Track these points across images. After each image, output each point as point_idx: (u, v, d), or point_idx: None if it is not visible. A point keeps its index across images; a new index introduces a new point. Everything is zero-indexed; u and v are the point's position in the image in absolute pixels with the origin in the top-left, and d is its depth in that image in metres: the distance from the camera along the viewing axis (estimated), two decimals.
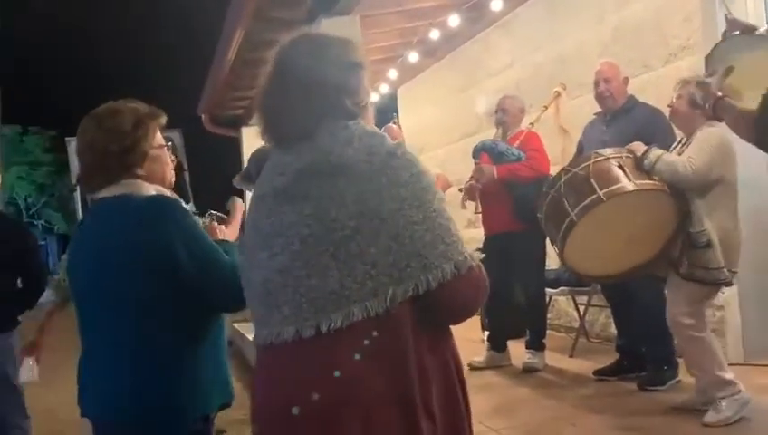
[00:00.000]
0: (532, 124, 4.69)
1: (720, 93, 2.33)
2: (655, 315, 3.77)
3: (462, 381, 1.37)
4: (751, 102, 2.22)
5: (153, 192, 1.79)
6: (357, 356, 1.23)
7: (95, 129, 1.81)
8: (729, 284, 3.18)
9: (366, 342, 1.23)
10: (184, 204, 1.86)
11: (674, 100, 3.29)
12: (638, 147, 3.27)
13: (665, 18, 4.64)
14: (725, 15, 2.70)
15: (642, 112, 3.86)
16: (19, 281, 3.28)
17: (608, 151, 3.33)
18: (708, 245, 3.08)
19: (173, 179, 1.97)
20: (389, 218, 1.23)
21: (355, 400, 1.23)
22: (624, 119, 3.85)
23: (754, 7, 4.27)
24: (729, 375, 3.17)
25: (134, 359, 1.71)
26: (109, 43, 30.94)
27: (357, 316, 1.22)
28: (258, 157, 1.47)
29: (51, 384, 5.29)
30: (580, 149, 4.14)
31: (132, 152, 1.81)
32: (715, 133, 3.16)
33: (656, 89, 4.58)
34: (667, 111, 3.50)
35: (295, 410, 1.24)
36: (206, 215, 2.57)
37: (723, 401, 3.13)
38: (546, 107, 4.86)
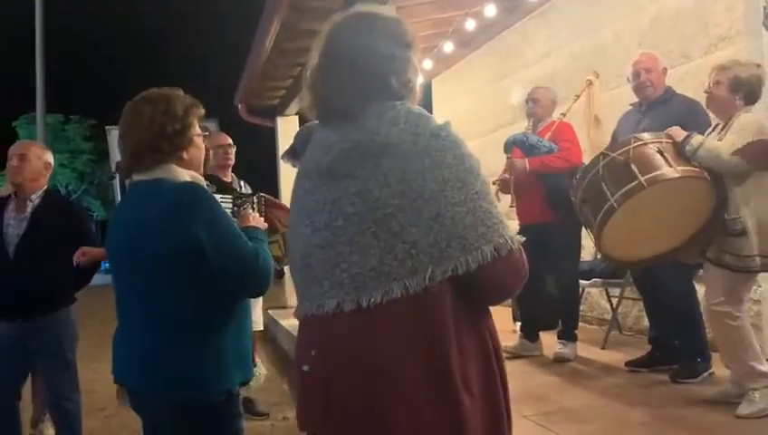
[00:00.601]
0: (563, 115, 4.66)
1: None
2: (685, 306, 3.76)
3: (500, 361, 1.38)
4: None
5: (188, 178, 1.89)
6: (398, 333, 1.26)
7: (152, 110, 1.88)
8: (765, 270, 3.12)
9: (407, 319, 1.26)
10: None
11: (711, 85, 3.25)
12: (678, 132, 3.23)
13: (706, 7, 4.56)
14: (763, 7, 2.67)
15: (679, 104, 3.81)
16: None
17: (646, 136, 3.28)
18: (743, 232, 3.05)
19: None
20: (431, 199, 1.24)
21: (397, 375, 1.25)
22: (661, 109, 3.80)
23: None
24: (764, 367, 3.14)
25: (162, 334, 1.81)
26: (148, 35, 31.42)
27: (396, 293, 1.24)
28: (304, 134, 1.51)
29: (91, 363, 5.46)
30: (615, 139, 4.09)
31: (183, 136, 1.91)
32: (754, 119, 3.13)
33: (695, 80, 4.50)
34: (703, 99, 3.46)
35: (336, 382, 1.29)
36: (256, 196, 2.64)
37: (756, 392, 3.11)
38: (578, 96, 4.81)
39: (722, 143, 3.12)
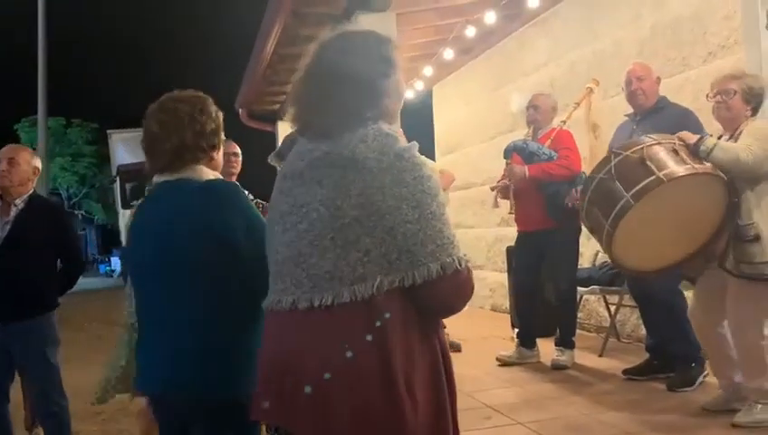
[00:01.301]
0: (563, 122, 4.66)
1: None
2: (674, 313, 3.76)
3: (448, 365, 1.45)
4: None
5: (212, 177, 1.88)
6: (345, 333, 1.34)
7: (190, 109, 1.88)
8: None
9: (354, 322, 1.34)
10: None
11: (724, 96, 3.19)
12: (689, 135, 3.19)
13: (705, 16, 4.58)
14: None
15: (673, 112, 3.82)
16: (59, 263, 3.38)
17: (658, 137, 3.22)
18: (756, 238, 3.00)
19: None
20: (387, 214, 1.33)
21: (342, 373, 1.32)
22: (655, 118, 3.80)
23: None
24: None
25: (197, 335, 1.79)
26: (150, 40, 31.52)
27: (345, 298, 1.33)
28: (291, 139, 1.57)
29: (88, 366, 5.45)
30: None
31: (217, 136, 1.93)
32: (766, 124, 3.14)
33: (694, 88, 4.52)
34: (700, 111, 3.45)
35: (286, 380, 1.37)
36: (254, 202, 2.67)
37: (759, 405, 3.10)
38: (578, 104, 4.83)
39: (738, 144, 3.09)
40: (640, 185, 3.02)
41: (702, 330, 3.39)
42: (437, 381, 1.41)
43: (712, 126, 3.63)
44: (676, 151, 3.10)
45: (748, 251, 3.03)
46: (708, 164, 3.07)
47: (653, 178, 3.01)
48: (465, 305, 1.43)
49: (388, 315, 1.34)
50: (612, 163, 3.16)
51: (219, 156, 1.97)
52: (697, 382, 3.74)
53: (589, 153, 4.88)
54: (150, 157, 1.91)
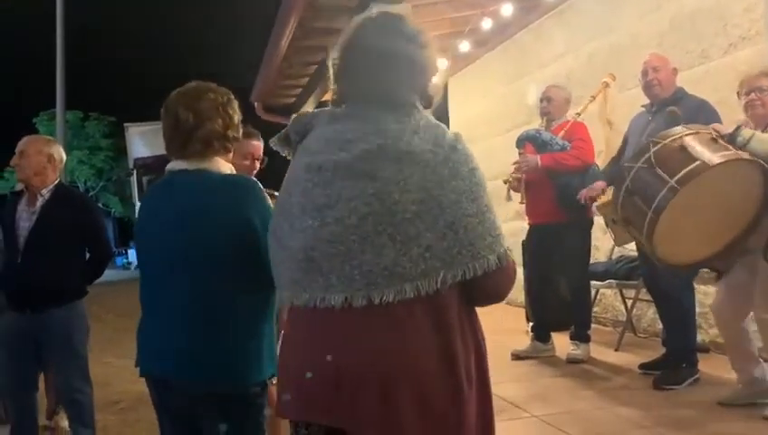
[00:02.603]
0: (578, 114, 4.63)
1: None
2: (680, 309, 3.74)
3: (486, 356, 1.49)
4: None
5: (228, 171, 1.91)
6: (412, 329, 1.33)
7: (219, 99, 1.90)
8: None
9: (419, 317, 1.33)
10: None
11: (758, 92, 3.23)
12: (722, 127, 3.19)
13: (725, 7, 4.52)
14: None
15: (689, 103, 3.76)
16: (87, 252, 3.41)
17: (694, 126, 3.20)
18: None
19: None
20: (448, 208, 1.32)
21: (411, 367, 1.33)
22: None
23: None
24: None
25: (210, 324, 1.80)
26: (166, 34, 31.68)
27: (408, 293, 1.31)
28: (302, 123, 1.49)
29: (106, 357, 5.53)
30: (626, 141, 4.07)
31: (239, 129, 1.95)
32: None
33: (713, 80, 4.47)
34: (720, 103, 3.42)
35: (346, 380, 1.33)
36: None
37: None
38: (594, 97, 4.79)
39: None
40: (685, 170, 2.98)
41: (725, 323, 3.38)
42: (485, 371, 1.46)
43: (730, 118, 3.59)
44: (714, 140, 3.08)
45: None
46: (747, 153, 3.05)
47: (698, 163, 2.97)
48: (509, 293, 1.47)
49: (450, 311, 1.36)
50: (651, 152, 3.12)
51: (235, 149, 1.99)
52: (686, 383, 3.71)
53: (605, 146, 4.83)
54: (177, 144, 1.89)
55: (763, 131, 3.22)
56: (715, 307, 3.43)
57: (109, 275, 3.52)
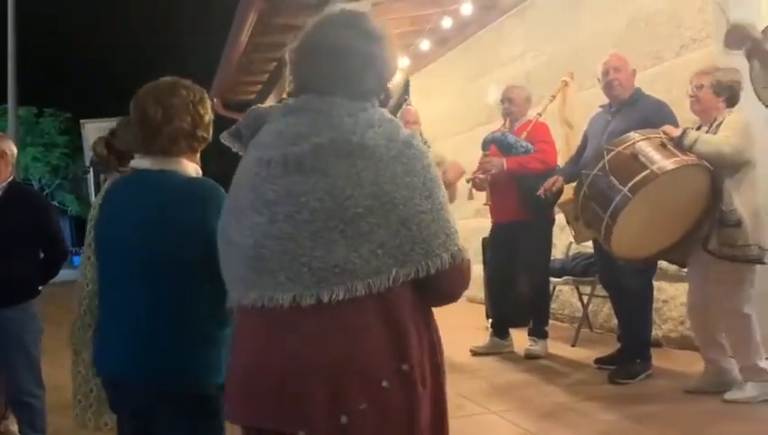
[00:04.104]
0: (539, 114, 4.69)
1: None
2: (636, 306, 3.84)
3: (442, 355, 1.46)
4: None
5: (193, 172, 1.86)
6: (363, 328, 1.31)
7: (190, 96, 1.84)
8: (761, 261, 3.23)
9: (370, 316, 1.31)
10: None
11: (695, 90, 3.40)
12: (672, 129, 3.37)
13: (679, 9, 4.62)
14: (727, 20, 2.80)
15: (647, 103, 3.87)
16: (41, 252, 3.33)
17: (645, 132, 3.39)
18: (738, 223, 3.18)
19: None
20: (402, 204, 1.29)
21: (359, 373, 1.30)
22: (629, 110, 3.86)
23: None
24: (763, 364, 3.27)
25: (169, 325, 1.77)
26: (123, 28, 31.08)
27: (360, 291, 1.28)
28: (252, 117, 1.46)
29: (58, 360, 5.38)
30: (585, 140, 4.15)
31: (209, 129, 1.89)
32: (741, 118, 3.31)
33: (667, 81, 4.57)
34: (672, 103, 3.53)
35: (294, 383, 1.30)
36: None
37: (749, 383, 3.25)
38: (554, 97, 4.86)
39: (718, 137, 3.28)
40: (636, 179, 3.20)
41: (694, 312, 3.51)
42: (440, 369, 1.43)
43: (684, 117, 3.68)
44: (663, 145, 3.30)
45: (731, 235, 3.19)
46: (694, 155, 3.25)
47: (647, 172, 3.20)
48: (463, 292, 1.44)
49: (401, 307, 1.33)
50: (605, 159, 3.33)
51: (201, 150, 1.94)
52: (640, 377, 3.80)
53: (564, 145, 4.91)
54: (142, 139, 1.84)
55: (709, 128, 3.38)
56: (688, 298, 3.57)
57: (65, 274, 3.44)
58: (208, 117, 1.88)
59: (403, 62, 7.65)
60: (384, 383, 1.30)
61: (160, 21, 29.46)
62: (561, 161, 4.66)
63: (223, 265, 1.45)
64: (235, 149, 1.53)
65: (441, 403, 1.44)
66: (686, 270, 3.66)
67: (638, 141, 3.31)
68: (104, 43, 30.00)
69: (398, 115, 4.79)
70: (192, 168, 1.87)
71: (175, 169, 1.83)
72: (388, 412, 1.31)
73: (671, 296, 4.59)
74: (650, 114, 3.67)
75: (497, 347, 4.72)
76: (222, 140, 1.55)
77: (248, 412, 1.37)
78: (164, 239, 1.76)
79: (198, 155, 1.94)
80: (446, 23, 6.55)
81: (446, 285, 1.37)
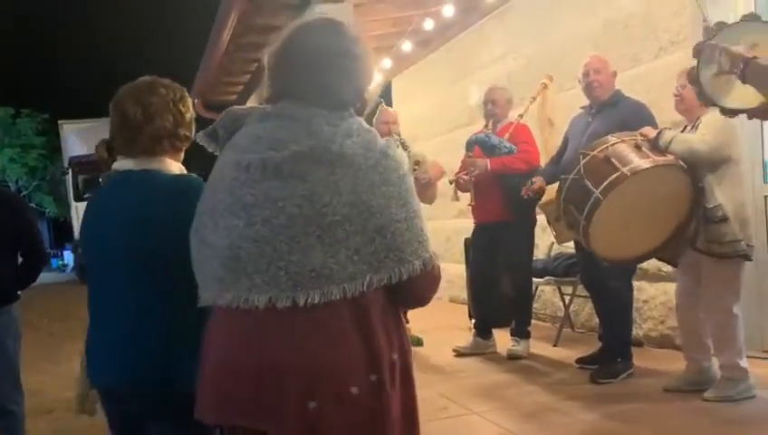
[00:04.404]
0: (521, 116, 4.73)
1: (752, 55, 2.26)
2: (617, 306, 3.88)
3: (410, 357, 1.50)
4: None
5: (177, 171, 1.84)
6: (337, 331, 1.34)
7: (171, 95, 1.82)
8: (747, 257, 3.27)
9: (344, 320, 1.34)
10: None
11: (679, 89, 3.45)
12: (649, 131, 3.43)
13: (655, 12, 4.68)
14: (703, 21, 2.81)
15: (627, 105, 3.92)
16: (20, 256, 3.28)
17: (621, 134, 3.46)
18: (723, 219, 3.21)
19: None
20: (378, 213, 1.33)
21: (332, 374, 1.33)
22: (609, 111, 3.91)
23: (744, 8, 4.30)
24: (744, 363, 3.30)
25: (160, 329, 1.75)
26: (102, 28, 30.76)
27: (335, 296, 1.32)
28: (230, 119, 1.46)
29: (37, 365, 5.32)
30: (566, 141, 4.20)
31: (192, 128, 1.87)
32: (720, 117, 3.30)
33: (645, 83, 4.62)
34: (651, 105, 3.58)
35: (268, 382, 1.32)
36: None
37: (728, 380, 3.29)
38: (534, 98, 4.90)
39: (693, 135, 3.34)
40: (607, 181, 3.26)
41: (681, 311, 3.55)
42: (409, 370, 1.46)
43: (663, 119, 3.73)
44: (638, 147, 3.36)
45: (718, 231, 3.23)
46: (670, 156, 3.30)
47: (618, 174, 3.26)
48: (432, 298, 1.49)
49: (373, 311, 1.37)
50: (581, 163, 3.41)
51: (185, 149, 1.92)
52: (621, 376, 3.84)
53: (543, 146, 4.94)
54: (123, 140, 1.81)
55: (692, 127, 3.41)
56: (677, 297, 3.60)
57: (44, 277, 3.38)
58: (190, 115, 1.87)
59: (385, 63, 7.67)
60: (353, 389, 1.34)
61: (142, 21, 29.22)
62: (543, 163, 4.70)
63: (196, 266, 1.46)
64: (210, 150, 1.54)
65: (412, 404, 1.47)
66: (667, 269, 3.71)
67: (612, 144, 3.38)
68: (82, 44, 29.66)
69: (375, 115, 4.80)
70: (176, 167, 1.85)
71: (158, 168, 1.81)
72: (359, 413, 1.34)
73: (651, 296, 4.64)
74: (630, 116, 3.73)
75: (480, 347, 4.74)
76: (198, 140, 1.55)
77: (220, 411, 1.39)
78: (150, 239, 1.74)
79: (182, 155, 1.92)
80: (428, 24, 6.55)
81: (417, 290, 1.43)
